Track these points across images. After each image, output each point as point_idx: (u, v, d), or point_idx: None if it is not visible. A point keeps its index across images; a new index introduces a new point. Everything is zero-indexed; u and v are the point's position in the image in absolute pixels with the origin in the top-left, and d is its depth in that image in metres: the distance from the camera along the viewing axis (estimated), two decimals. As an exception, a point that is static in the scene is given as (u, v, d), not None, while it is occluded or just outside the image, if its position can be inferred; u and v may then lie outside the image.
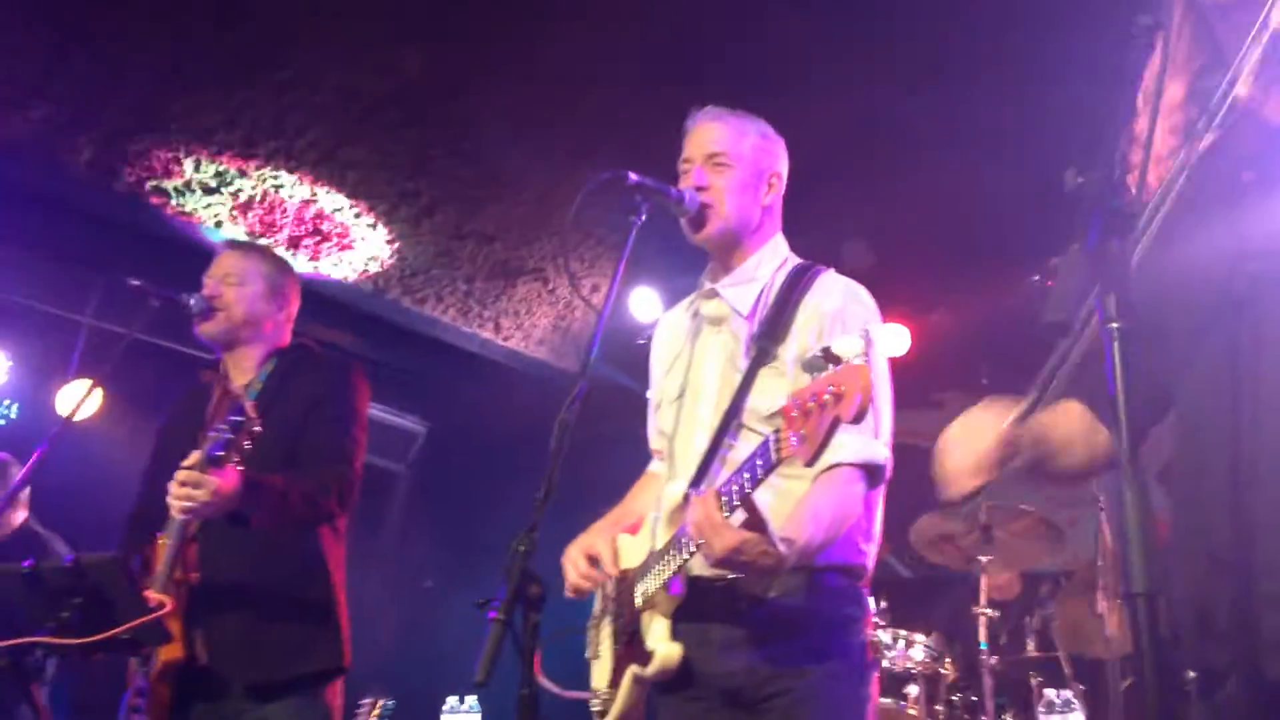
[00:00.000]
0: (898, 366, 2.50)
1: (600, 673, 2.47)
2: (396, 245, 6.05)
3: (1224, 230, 1.52)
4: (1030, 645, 5.11)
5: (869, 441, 2.29)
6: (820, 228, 2.72)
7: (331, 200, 5.60)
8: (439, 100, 5.06)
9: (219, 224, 5.63)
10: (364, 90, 5.00)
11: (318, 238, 5.83)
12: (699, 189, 2.50)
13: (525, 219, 5.99)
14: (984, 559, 4.74)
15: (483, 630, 1.78)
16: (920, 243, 5.85)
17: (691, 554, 2.17)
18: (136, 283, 3.07)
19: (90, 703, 4.62)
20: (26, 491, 4.71)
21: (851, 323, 2.38)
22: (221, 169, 5.33)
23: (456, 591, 6.44)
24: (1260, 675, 1.38)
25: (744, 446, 2.32)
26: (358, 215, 5.73)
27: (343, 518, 3.08)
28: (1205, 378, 1.52)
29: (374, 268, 6.16)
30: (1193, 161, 1.42)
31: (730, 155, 2.53)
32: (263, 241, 5.62)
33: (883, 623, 4.58)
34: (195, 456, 2.63)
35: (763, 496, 2.05)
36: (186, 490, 2.60)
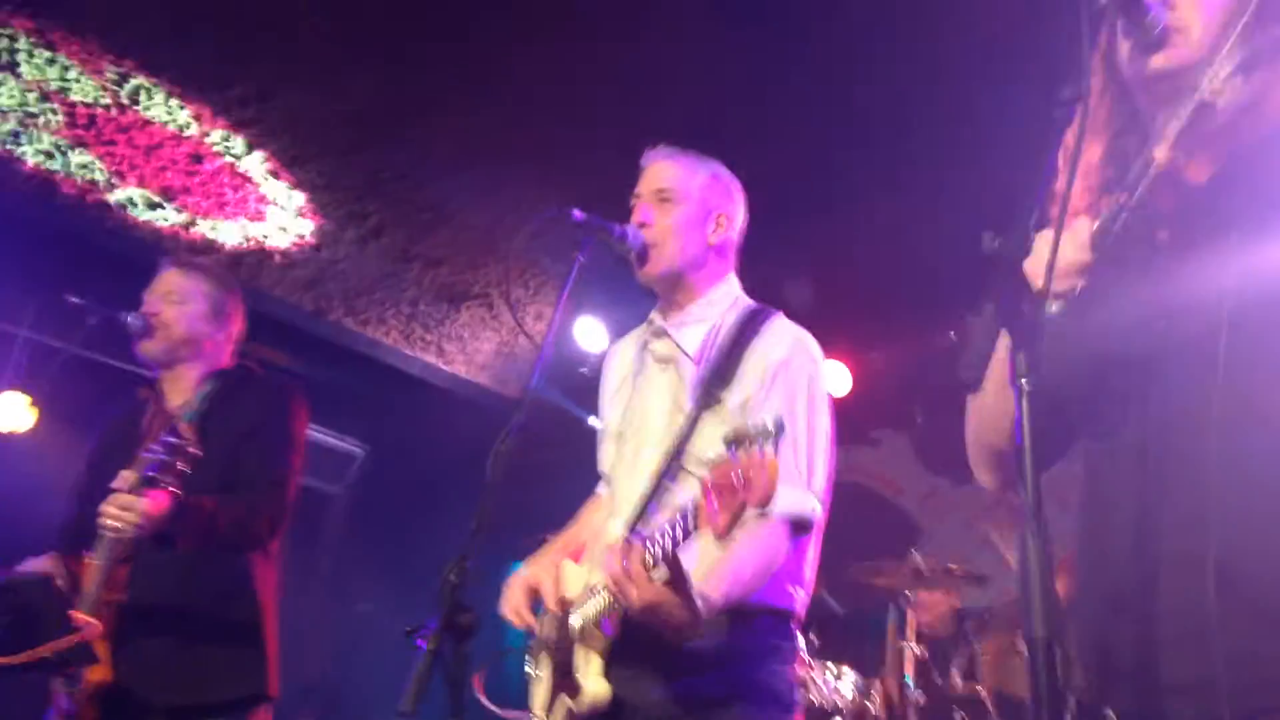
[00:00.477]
0: (836, 405, 2.54)
1: (538, 695, 2.48)
2: (341, 266, 6.03)
3: (1137, 288, 1.57)
4: (956, 681, 5.19)
5: (800, 495, 2.31)
6: (763, 266, 2.78)
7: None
8: (391, 126, 5.08)
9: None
10: (315, 113, 5.00)
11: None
12: (644, 225, 2.54)
13: (473, 244, 6.00)
14: (911, 595, 4.83)
15: (415, 658, 1.79)
16: (861, 285, 5.97)
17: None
18: (76, 300, 3.04)
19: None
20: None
21: (795, 375, 2.41)
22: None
23: (391, 616, 6.38)
24: (1163, 718, 1.43)
25: (682, 490, 2.34)
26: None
27: (274, 543, 3.06)
28: (1113, 428, 1.56)
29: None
30: (1108, 218, 1.48)
31: (677, 192, 2.57)
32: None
33: (812, 658, 4.63)
34: (127, 477, 2.61)
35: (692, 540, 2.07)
36: (116, 511, 2.58)
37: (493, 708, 2.39)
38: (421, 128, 5.07)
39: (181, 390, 3.15)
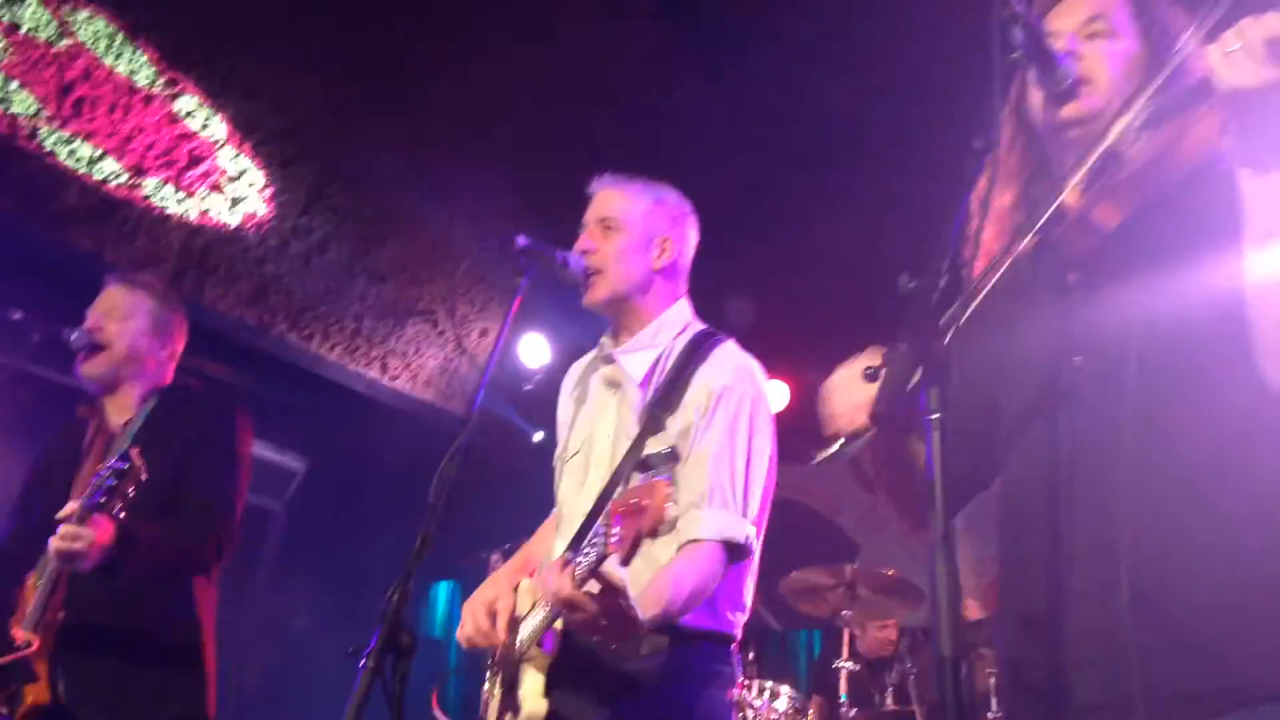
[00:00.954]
0: (776, 421, 2.58)
1: (490, 713, 2.50)
2: (285, 279, 5.99)
3: (1053, 324, 1.65)
4: (889, 699, 5.27)
5: (732, 519, 2.36)
6: (706, 284, 2.84)
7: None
8: (335, 137, 5.08)
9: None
10: (260, 122, 4.99)
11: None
12: (586, 251, 2.60)
13: (418, 260, 6.01)
14: (848, 613, 4.89)
15: (355, 676, 1.81)
16: (802, 304, 6.06)
17: (558, 614, 2.23)
18: (17, 315, 3.02)
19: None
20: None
21: (736, 403, 2.45)
22: (107, 197, 5.23)
23: (331, 634, 6.33)
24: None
25: None
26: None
27: (217, 566, 3.05)
28: (1029, 456, 1.64)
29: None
30: (1018, 258, 1.55)
31: (621, 220, 2.63)
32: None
33: (748, 677, 4.67)
34: (73, 507, 2.60)
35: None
36: (63, 544, 2.56)
37: None
38: (365, 140, 5.08)
39: (122, 408, 3.12)
